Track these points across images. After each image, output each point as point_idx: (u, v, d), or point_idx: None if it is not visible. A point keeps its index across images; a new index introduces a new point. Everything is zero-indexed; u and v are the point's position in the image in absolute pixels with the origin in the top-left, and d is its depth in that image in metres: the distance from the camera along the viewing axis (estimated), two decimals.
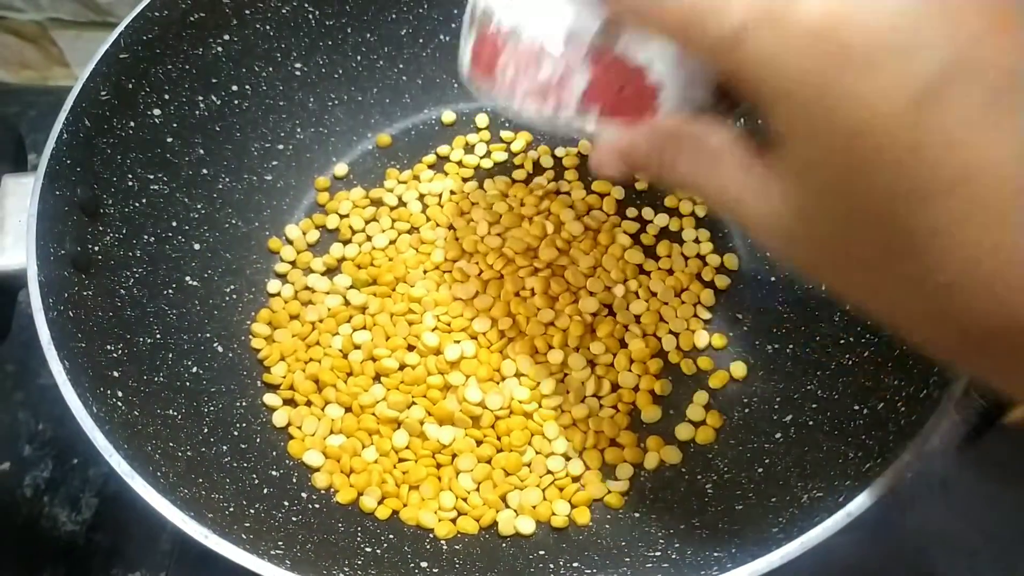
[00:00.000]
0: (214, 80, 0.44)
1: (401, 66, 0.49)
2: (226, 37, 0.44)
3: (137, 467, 0.29)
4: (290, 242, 0.46)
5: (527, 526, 0.37)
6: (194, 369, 0.38)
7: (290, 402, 0.41)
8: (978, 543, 0.43)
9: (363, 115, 0.49)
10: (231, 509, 0.32)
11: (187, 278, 0.41)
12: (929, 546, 0.43)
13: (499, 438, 0.39)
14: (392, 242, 0.45)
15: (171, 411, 0.35)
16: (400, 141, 0.49)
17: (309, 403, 0.40)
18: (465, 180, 0.48)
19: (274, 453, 0.38)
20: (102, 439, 0.29)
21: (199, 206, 0.43)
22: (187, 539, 0.28)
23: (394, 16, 0.48)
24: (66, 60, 0.62)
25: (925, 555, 0.43)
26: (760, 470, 0.36)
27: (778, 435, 0.38)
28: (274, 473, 0.37)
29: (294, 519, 0.34)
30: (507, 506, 0.38)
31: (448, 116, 0.50)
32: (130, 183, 0.39)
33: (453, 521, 0.37)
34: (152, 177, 0.40)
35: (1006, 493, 0.44)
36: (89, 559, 0.43)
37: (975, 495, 0.44)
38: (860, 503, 0.28)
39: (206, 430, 0.36)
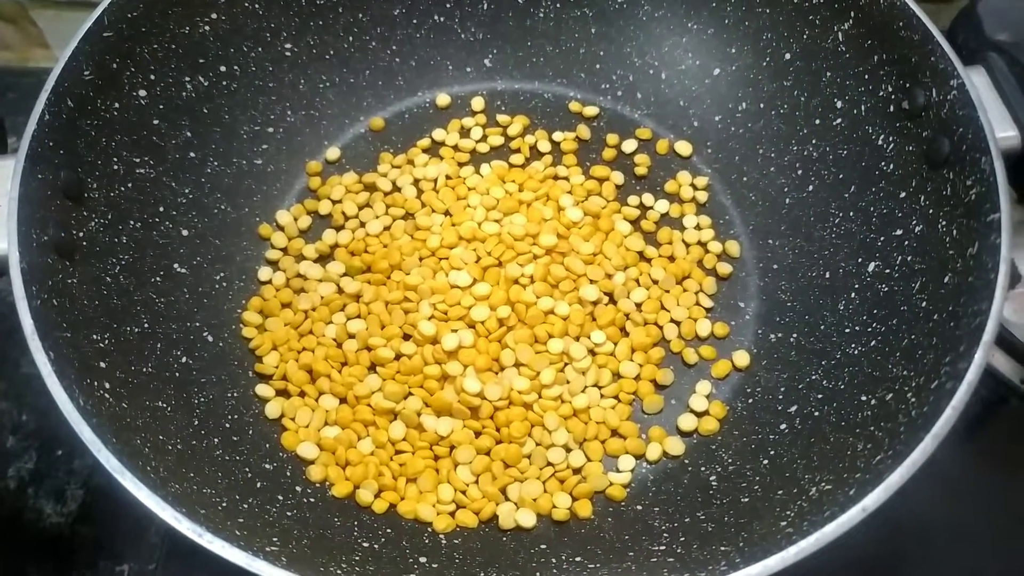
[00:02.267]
0: (201, 60, 0.42)
1: (394, 47, 0.48)
2: (213, 16, 0.42)
3: (126, 462, 0.27)
4: (281, 228, 0.44)
5: (528, 519, 0.36)
6: (183, 359, 0.37)
7: (283, 393, 0.39)
8: (980, 532, 0.43)
9: (355, 98, 0.48)
10: (224, 504, 0.31)
11: (175, 265, 0.40)
12: (929, 535, 0.42)
13: (498, 429, 0.38)
14: (386, 228, 0.44)
15: (160, 403, 0.34)
16: (393, 124, 0.48)
17: (303, 394, 0.39)
18: (461, 164, 0.47)
19: (267, 445, 0.37)
20: (89, 433, 0.28)
21: (187, 191, 0.41)
22: (175, 532, 0.27)
23: None
24: (46, 41, 0.60)
25: (925, 544, 0.42)
26: (766, 462, 0.36)
27: (783, 426, 0.37)
28: (267, 466, 0.36)
29: (289, 514, 0.33)
30: (507, 499, 0.37)
31: (443, 99, 0.49)
32: (115, 167, 0.38)
33: (452, 514, 0.36)
34: (138, 160, 0.39)
35: (1009, 482, 0.44)
36: (75, 552, 0.42)
37: (977, 484, 0.44)
38: (876, 497, 0.27)
39: (196, 422, 0.35)
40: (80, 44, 0.36)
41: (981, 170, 0.33)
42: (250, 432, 0.37)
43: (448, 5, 0.48)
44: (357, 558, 0.32)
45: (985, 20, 0.38)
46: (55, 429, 0.46)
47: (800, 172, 0.43)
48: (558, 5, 0.48)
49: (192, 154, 0.42)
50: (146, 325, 0.36)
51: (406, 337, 0.40)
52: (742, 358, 0.41)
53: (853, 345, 0.37)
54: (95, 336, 0.33)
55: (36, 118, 0.33)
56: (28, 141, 0.33)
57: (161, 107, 0.40)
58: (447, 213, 0.45)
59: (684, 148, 0.47)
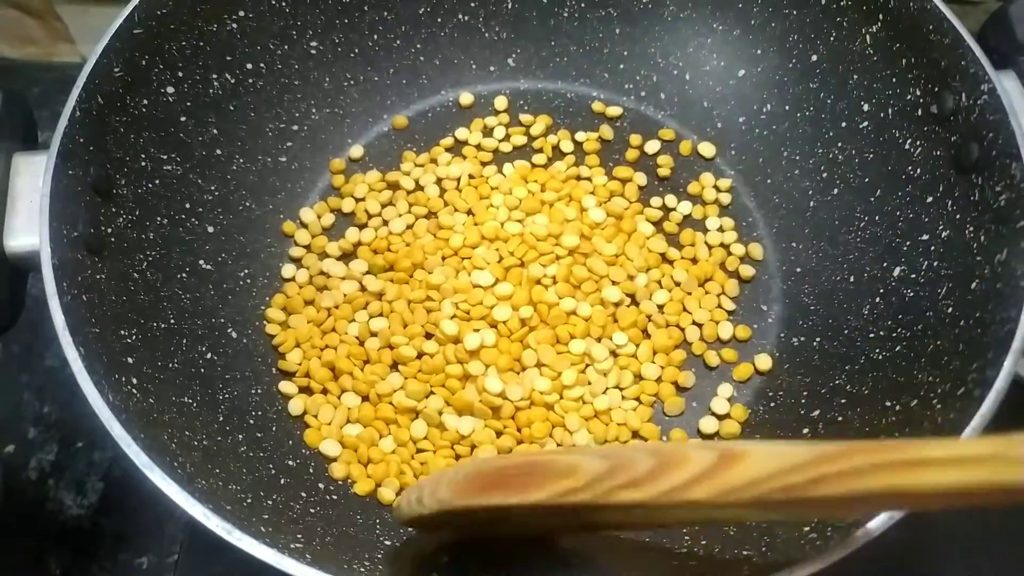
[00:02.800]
0: (228, 58, 0.42)
1: (419, 46, 0.48)
2: (241, 13, 0.42)
3: (155, 458, 0.28)
4: (305, 226, 0.45)
5: None
6: (208, 355, 0.37)
7: (306, 390, 0.40)
8: (1000, 541, 0.42)
9: (379, 96, 0.48)
10: (249, 501, 0.31)
11: (201, 262, 0.40)
12: (949, 543, 0.42)
13: (519, 429, 0.38)
14: (409, 227, 0.44)
15: (186, 399, 0.35)
16: (417, 123, 0.48)
17: (325, 391, 0.39)
18: (484, 164, 0.47)
19: (290, 442, 0.37)
20: (119, 429, 0.28)
21: (213, 188, 0.42)
22: (197, 525, 0.27)
23: None
24: (71, 36, 0.60)
25: (945, 552, 0.42)
26: None
27: (806, 431, 0.37)
28: (291, 463, 0.36)
29: (312, 511, 0.34)
30: None
31: (466, 98, 0.49)
32: (143, 163, 0.38)
33: None
34: (165, 157, 0.39)
35: None
36: (95, 544, 0.43)
37: None
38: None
39: (221, 418, 0.35)
40: (111, 41, 0.36)
41: (1011, 176, 0.33)
42: (274, 429, 0.37)
43: (473, 4, 0.48)
44: (380, 556, 0.32)
45: (1017, 24, 0.38)
46: (77, 421, 0.46)
47: (825, 175, 0.43)
48: (582, 5, 0.48)
49: (218, 151, 0.42)
50: (172, 321, 0.37)
51: (428, 336, 0.41)
52: (764, 361, 0.41)
53: (877, 350, 0.37)
54: (123, 332, 0.33)
55: (67, 115, 0.33)
56: (59, 138, 0.33)
57: (188, 104, 0.40)
58: (469, 212, 0.44)
59: (707, 150, 0.47)
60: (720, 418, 0.40)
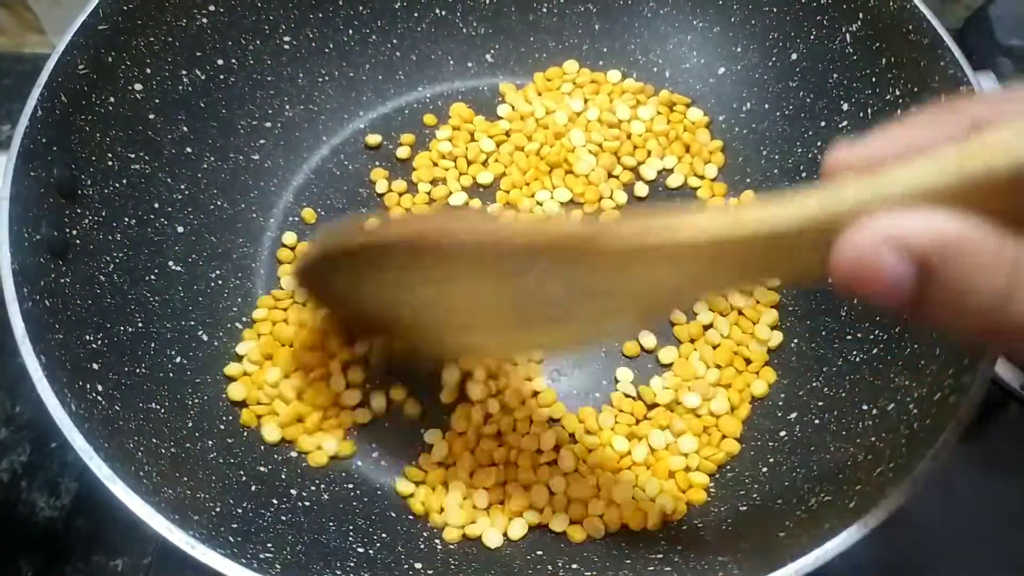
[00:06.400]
0: (198, 53, 0.41)
1: (395, 41, 0.47)
2: (211, 8, 0.41)
3: (118, 469, 0.27)
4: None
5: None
6: (177, 359, 0.37)
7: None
8: (978, 542, 0.42)
9: (354, 92, 0.47)
10: (217, 509, 0.31)
11: (170, 263, 0.39)
12: (927, 545, 0.42)
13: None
14: None
15: (153, 404, 0.34)
16: (393, 120, 0.47)
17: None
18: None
19: (262, 447, 0.37)
20: (82, 441, 0.27)
21: (182, 187, 0.41)
22: None
23: None
24: (42, 27, 0.59)
25: (922, 554, 0.42)
26: (764, 469, 0.36)
27: (783, 433, 0.37)
28: (262, 469, 0.36)
29: (283, 518, 0.33)
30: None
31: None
32: (110, 163, 0.37)
33: None
34: (133, 156, 0.38)
35: (1008, 491, 0.43)
36: (69, 546, 0.42)
37: (975, 493, 0.43)
38: (878, 516, 0.27)
39: (191, 424, 0.35)
40: (74, 38, 0.35)
41: None
42: (244, 434, 0.37)
43: None
44: (352, 564, 0.32)
45: (997, 24, 0.37)
46: (49, 421, 0.45)
47: (804, 175, 0.43)
48: (562, 0, 0.47)
49: (188, 149, 0.41)
50: (140, 324, 0.36)
51: None
52: None
53: (855, 352, 0.37)
54: (88, 337, 0.33)
55: (28, 114, 0.32)
56: (20, 138, 0.32)
57: (157, 101, 0.40)
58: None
59: None
60: None
